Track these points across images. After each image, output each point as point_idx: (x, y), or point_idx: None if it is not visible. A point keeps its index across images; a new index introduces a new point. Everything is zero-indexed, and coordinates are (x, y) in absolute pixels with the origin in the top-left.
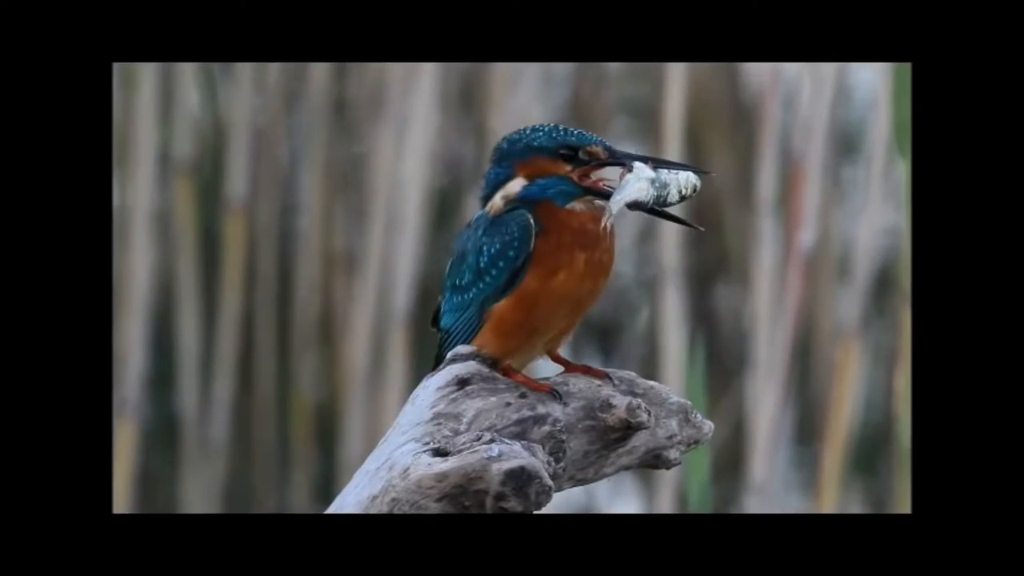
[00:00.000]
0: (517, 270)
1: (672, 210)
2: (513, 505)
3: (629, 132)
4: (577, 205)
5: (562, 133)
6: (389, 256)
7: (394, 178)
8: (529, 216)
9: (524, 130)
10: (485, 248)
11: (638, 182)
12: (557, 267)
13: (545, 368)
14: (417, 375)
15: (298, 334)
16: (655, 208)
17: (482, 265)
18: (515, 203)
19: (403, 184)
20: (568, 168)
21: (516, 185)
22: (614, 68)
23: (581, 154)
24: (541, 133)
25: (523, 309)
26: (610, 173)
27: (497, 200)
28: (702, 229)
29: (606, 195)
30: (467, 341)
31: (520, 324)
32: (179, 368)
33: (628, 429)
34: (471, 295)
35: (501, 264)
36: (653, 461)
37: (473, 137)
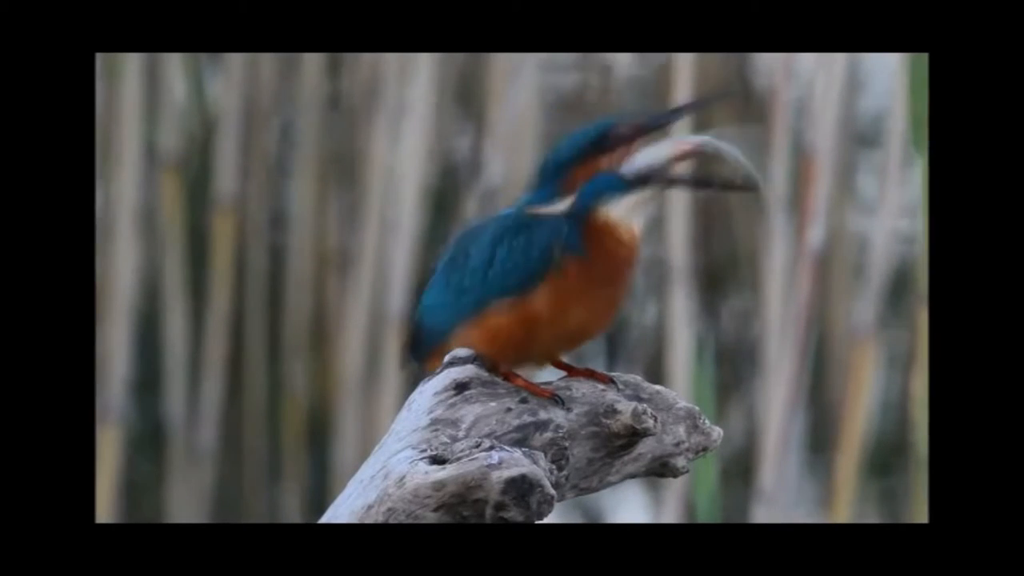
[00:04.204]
0: (533, 274)
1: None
2: (514, 515)
3: None
4: (622, 208)
5: (582, 133)
6: (384, 255)
7: (389, 174)
8: (563, 223)
9: (549, 151)
10: (500, 252)
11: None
12: (576, 301)
13: (547, 372)
14: (413, 379)
15: (289, 336)
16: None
17: (493, 268)
18: (585, 209)
19: (398, 180)
20: (605, 160)
21: (567, 204)
22: (618, 59)
23: (610, 141)
24: (563, 146)
25: (523, 329)
26: None
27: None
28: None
29: (655, 180)
30: (451, 339)
31: (517, 341)
32: (165, 372)
33: (634, 436)
34: (470, 299)
35: (512, 272)
36: (660, 469)
37: (472, 131)
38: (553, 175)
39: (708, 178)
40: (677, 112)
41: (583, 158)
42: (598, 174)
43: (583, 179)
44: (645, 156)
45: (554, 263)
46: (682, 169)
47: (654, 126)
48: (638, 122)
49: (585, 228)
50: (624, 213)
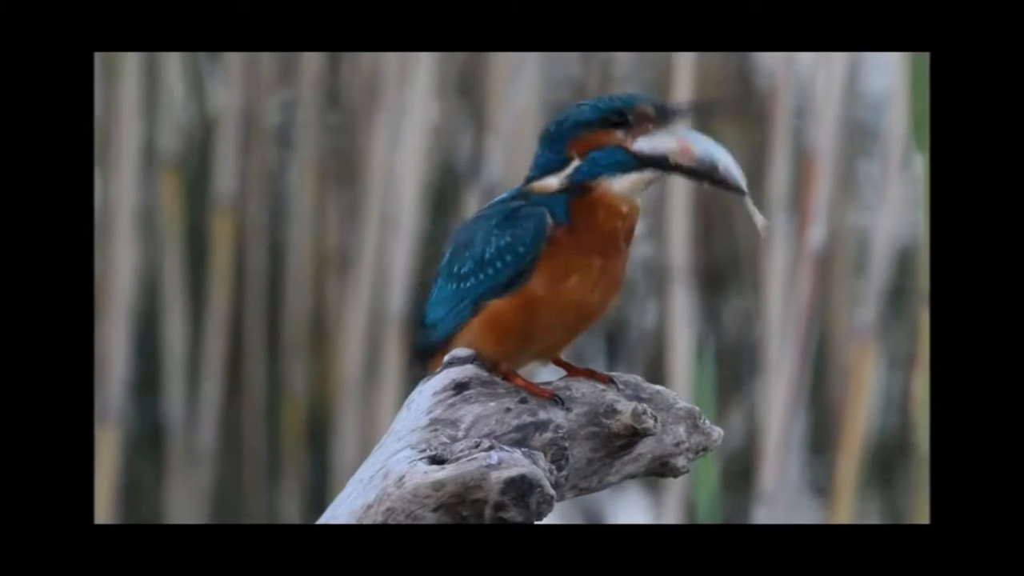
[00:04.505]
0: (523, 269)
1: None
2: (513, 515)
3: None
4: (625, 184)
5: (607, 100)
6: (384, 255)
7: (389, 173)
8: (547, 214)
9: (569, 108)
10: (494, 239)
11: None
12: (570, 270)
13: (547, 372)
14: (413, 379)
15: (289, 336)
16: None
17: (487, 256)
18: (570, 185)
19: (398, 179)
20: (620, 135)
21: (572, 168)
22: (619, 58)
23: (631, 117)
24: (586, 106)
25: (525, 312)
26: None
27: (554, 183)
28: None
29: (662, 165)
30: (453, 335)
31: (518, 327)
32: (164, 372)
33: (634, 436)
34: (467, 286)
35: (508, 259)
36: (660, 469)
37: (472, 129)
38: (555, 141)
39: (707, 173)
40: (702, 105)
41: (601, 124)
42: (609, 146)
43: (592, 147)
44: (655, 140)
45: (546, 243)
46: (684, 159)
47: (664, 119)
48: (649, 111)
49: (576, 199)
50: (626, 189)
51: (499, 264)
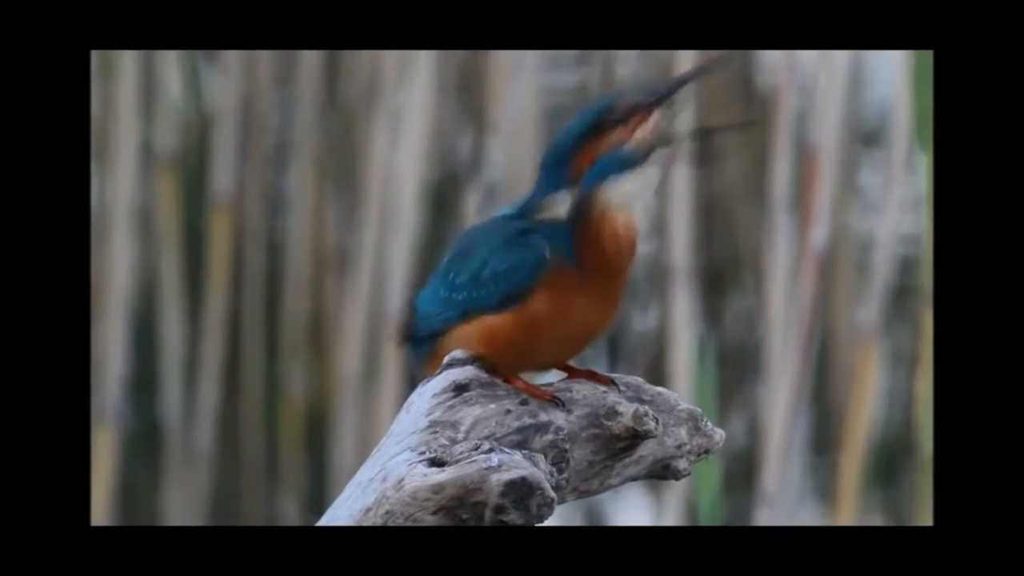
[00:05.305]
0: (515, 295)
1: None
2: (513, 518)
3: None
4: (627, 196)
5: (593, 109)
6: (383, 255)
7: (388, 172)
8: (547, 249)
9: (560, 130)
10: (492, 261)
11: None
12: (573, 299)
13: (547, 374)
14: (412, 381)
15: (287, 336)
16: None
17: (482, 275)
18: (579, 203)
19: (398, 179)
20: (619, 133)
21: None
22: (620, 56)
23: (621, 111)
24: (576, 121)
25: (525, 331)
26: None
27: (562, 207)
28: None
29: (668, 142)
30: (440, 336)
31: (517, 343)
32: (162, 372)
33: (635, 438)
34: (459, 297)
35: (501, 283)
36: (661, 471)
37: (472, 129)
38: (557, 164)
39: (705, 127)
40: (675, 83)
41: (584, 142)
42: (601, 156)
43: (587, 164)
44: (642, 131)
45: (546, 273)
46: (679, 131)
47: (653, 101)
48: (635, 99)
49: (579, 234)
50: (627, 195)
51: (492, 287)
